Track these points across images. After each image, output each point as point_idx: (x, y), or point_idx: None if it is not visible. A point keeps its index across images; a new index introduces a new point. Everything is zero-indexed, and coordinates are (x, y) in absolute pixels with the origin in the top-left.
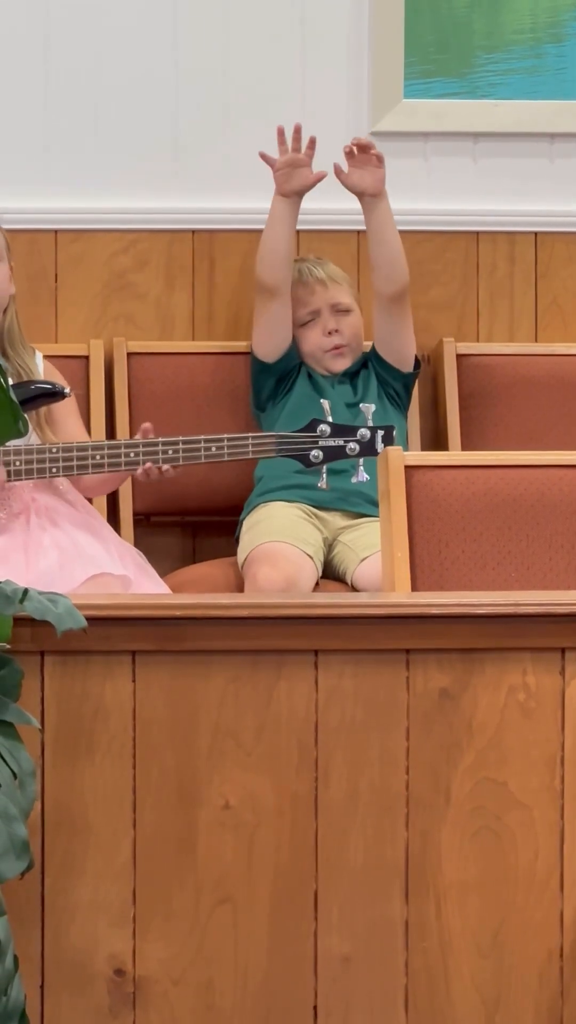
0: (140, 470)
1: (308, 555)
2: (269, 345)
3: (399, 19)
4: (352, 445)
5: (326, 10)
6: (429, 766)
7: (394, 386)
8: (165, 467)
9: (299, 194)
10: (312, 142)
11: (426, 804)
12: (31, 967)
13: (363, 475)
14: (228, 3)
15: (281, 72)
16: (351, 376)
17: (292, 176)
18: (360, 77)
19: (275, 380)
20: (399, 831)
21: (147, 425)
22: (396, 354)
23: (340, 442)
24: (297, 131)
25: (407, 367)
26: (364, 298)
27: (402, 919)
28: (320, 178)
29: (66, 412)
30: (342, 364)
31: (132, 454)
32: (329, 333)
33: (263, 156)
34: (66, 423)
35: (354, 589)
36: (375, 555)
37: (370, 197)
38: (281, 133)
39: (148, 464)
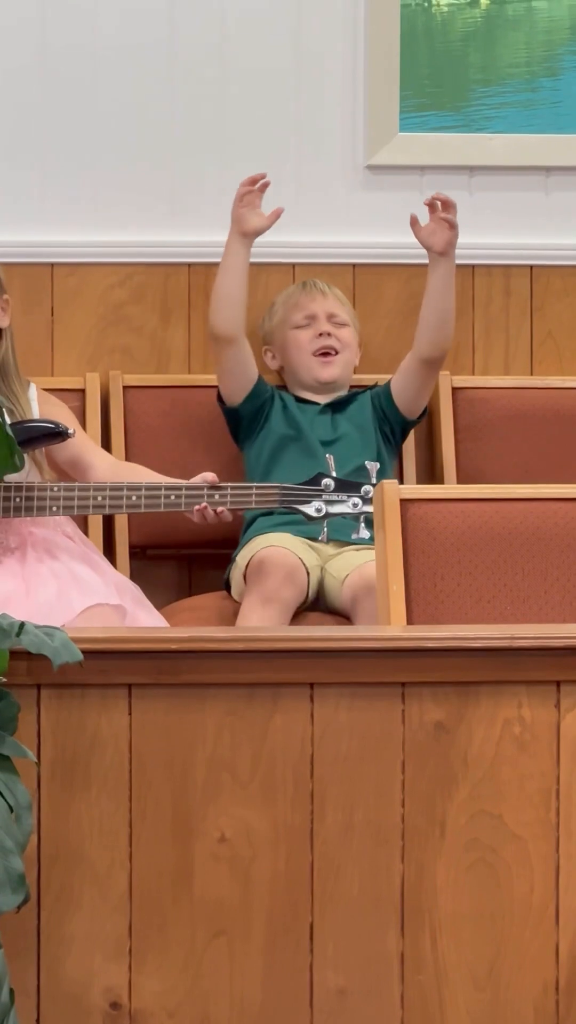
0: (196, 511)
1: (305, 567)
2: (233, 388)
3: (395, 53)
4: (355, 501)
5: (322, 44)
6: (424, 799)
7: (392, 426)
8: (221, 509)
9: (256, 234)
10: (264, 186)
11: (421, 837)
12: (27, 1000)
13: (364, 532)
14: (224, 37)
15: (276, 106)
16: (332, 408)
17: (248, 216)
18: (356, 111)
19: (247, 422)
20: (394, 864)
21: (210, 475)
22: (410, 404)
23: (343, 497)
24: (255, 180)
25: (413, 416)
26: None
27: (398, 952)
28: (277, 216)
29: (83, 446)
30: (329, 373)
31: (134, 498)
32: (320, 335)
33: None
34: (89, 452)
35: (344, 608)
36: (354, 571)
37: (436, 254)
38: (252, 182)
39: (204, 505)
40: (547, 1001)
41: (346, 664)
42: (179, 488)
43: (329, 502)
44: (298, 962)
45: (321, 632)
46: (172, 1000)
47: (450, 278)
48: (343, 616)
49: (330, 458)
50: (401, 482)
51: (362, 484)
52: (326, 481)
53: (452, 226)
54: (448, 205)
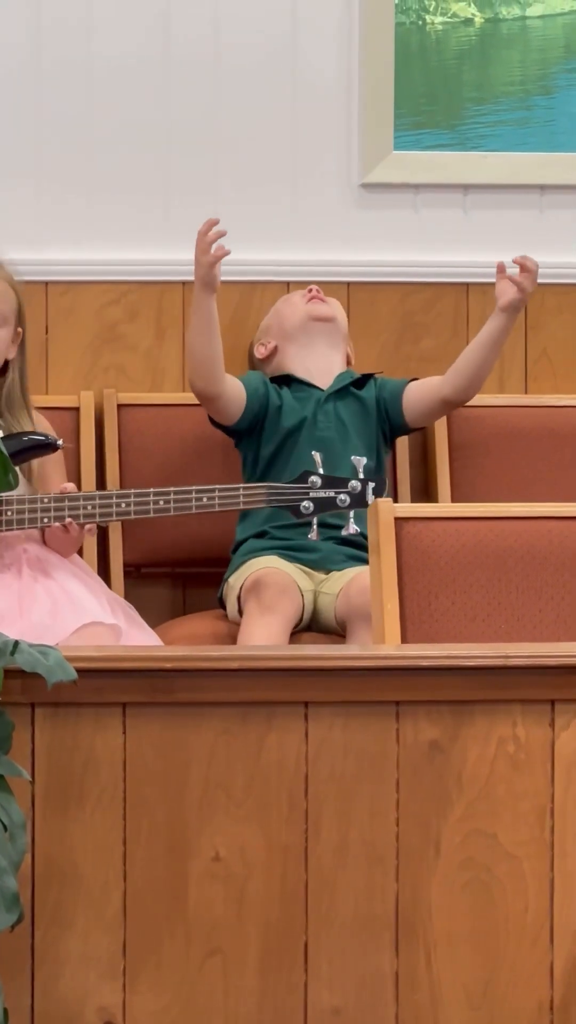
0: (58, 526)
1: (300, 589)
2: (224, 417)
3: (389, 71)
4: (343, 497)
5: (316, 62)
6: (419, 818)
7: (392, 427)
8: (88, 526)
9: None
10: (218, 234)
11: (416, 856)
12: (21, 1020)
13: (353, 527)
14: (219, 55)
15: (271, 124)
16: (336, 396)
17: (214, 269)
18: (350, 129)
19: (246, 431)
20: (389, 883)
21: (69, 485)
22: (415, 421)
23: (331, 493)
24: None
25: (412, 428)
26: (356, 348)
27: (392, 971)
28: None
29: (54, 466)
30: (321, 309)
31: (123, 504)
32: (311, 291)
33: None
34: (53, 477)
35: (339, 623)
36: (347, 584)
37: (499, 308)
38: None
39: (69, 521)
40: (542, 1020)
41: (340, 683)
42: (167, 493)
43: (316, 499)
44: (293, 981)
45: (315, 651)
46: (166, 1019)
47: (502, 335)
48: (338, 635)
49: (316, 455)
50: (395, 500)
51: (348, 480)
52: (313, 478)
53: (522, 289)
54: (526, 269)
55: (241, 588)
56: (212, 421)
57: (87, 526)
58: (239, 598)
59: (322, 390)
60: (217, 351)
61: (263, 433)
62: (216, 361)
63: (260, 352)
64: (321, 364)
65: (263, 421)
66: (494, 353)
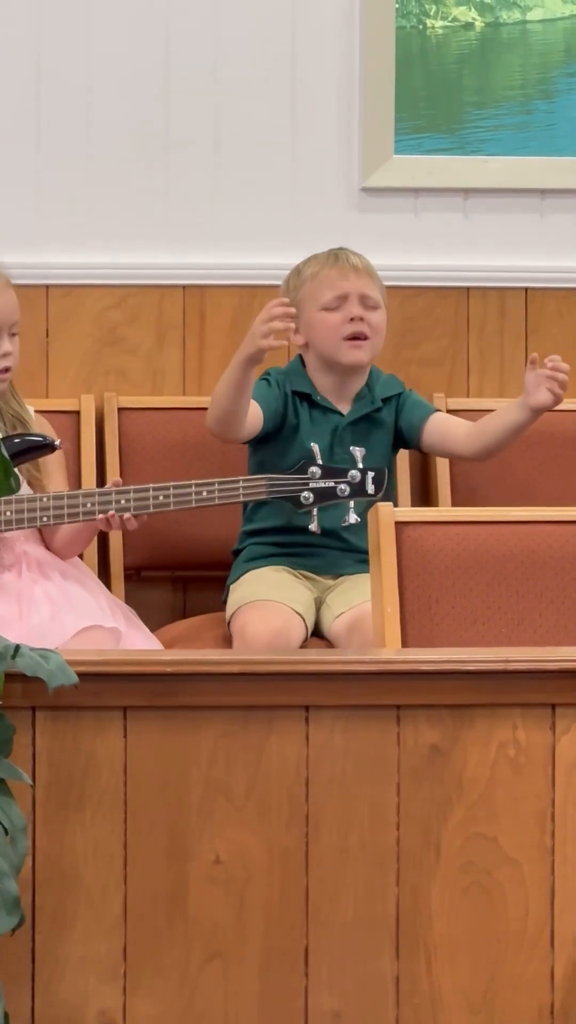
0: (101, 518)
1: (297, 612)
2: (248, 434)
3: (390, 75)
4: (343, 487)
5: (316, 66)
6: (419, 822)
7: (404, 443)
8: (127, 516)
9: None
10: (289, 329)
11: (416, 860)
12: (22, 1023)
13: (353, 517)
14: (218, 59)
15: (271, 128)
16: (354, 424)
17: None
18: (351, 133)
19: (268, 436)
20: (389, 887)
21: (117, 480)
22: (431, 446)
23: (331, 484)
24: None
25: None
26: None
27: (392, 975)
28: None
29: (55, 466)
30: (359, 356)
31: (123, 500)
32: (352, 320)
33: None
34: (54, 477)
35: (334, 643)
36: (348, 612)
37: (529, 407)
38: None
39: (111, 513)
40: None
41: (341, 687)
42: (167, 488)
43: (316, 490)
44: (293, 985)
45: (316, 655)
46: (167, 1023)
47: (526, 427)
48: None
49: (315, 446)
50: (396, 504)
51: (348, 469)
52: (312, 469)
53: (557, 398)
54: (558, 370)
55: (235, 612)
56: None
57: (127, 517)
58: (229, 623)
59: (342, 415)
60: (244, 408)
61: (276, 443)
62: (241, 417)
63: (298, 340)
64: (343, 389)
65: (279, 432)
66: (515, 439)
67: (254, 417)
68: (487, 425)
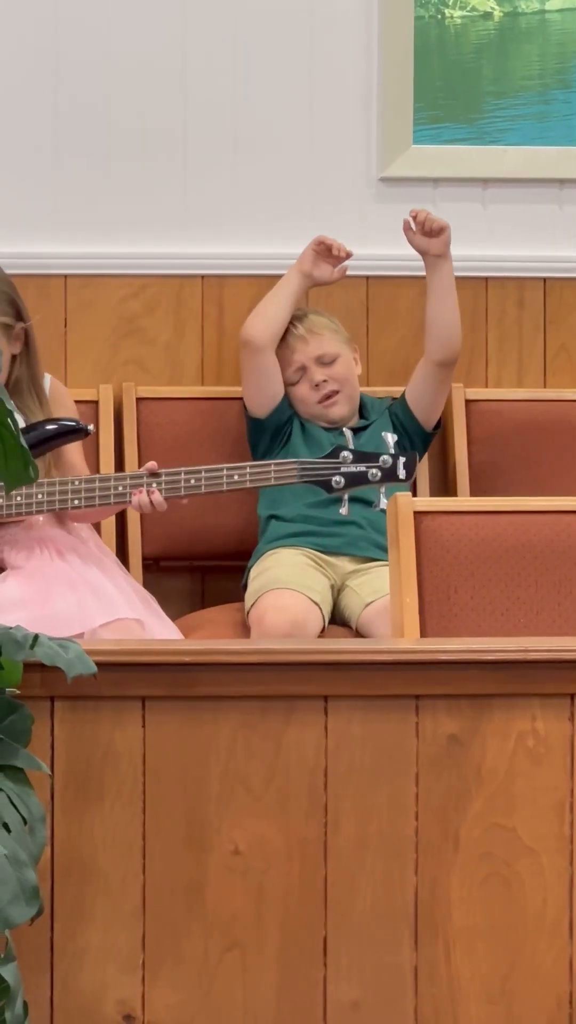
0: (134, 499)
1: (314, 602)
2: (258, 399)
3: (408, 65)
4: (374, 471)
5: (335, 56)
6: (438, 812)
7: (412, 438)
8: (156, 497)
9: (315, 281)
10: (339, 259)
11: (435, 850)
12: (40, 1013)
13: (384, 502)
14: (237, 50)
15: (290, 118)
16: (353, 431)
17: (319, 263)
18: (369, 123)
19: (269, 436)
20: (408, 877)
21: (152, 464)
22: (424, 411)
23: (362, 468)
24: (339, 248)
25: (429, 426)
26: (370, 343)
27: (411, 965)
28: (343, 273)
29: (75, 452)
30: (339, 411)
31: (153, 484)
32: (317, 385)
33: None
34: (75, 462)
35: (359, 635)
36: (380, 600)
37: (433, 257)
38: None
39: (141, 490)
40: (561, 1015)
41: (360, 677)
42: (198, 472)
43: (347, 474)
44: (312, 975)
45: (335, 645)
46: (185, 1013)
47: (450, 279)
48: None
49: (347, 431)
50: (414, 494)
51: (380, 455)
52: (344, 453)
53: (442, 228)
54: (421, 224)
55: (254, 604)
56: (245, 410)
57: (156, 498)
58: (248, 613)
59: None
60: (284, 317)
61: (288, 444)
62: (280, 324)
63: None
64: (342, 425)
65: (288, 434)
66: (453, 296)
67: (277, 373)
68: (428, 314)
